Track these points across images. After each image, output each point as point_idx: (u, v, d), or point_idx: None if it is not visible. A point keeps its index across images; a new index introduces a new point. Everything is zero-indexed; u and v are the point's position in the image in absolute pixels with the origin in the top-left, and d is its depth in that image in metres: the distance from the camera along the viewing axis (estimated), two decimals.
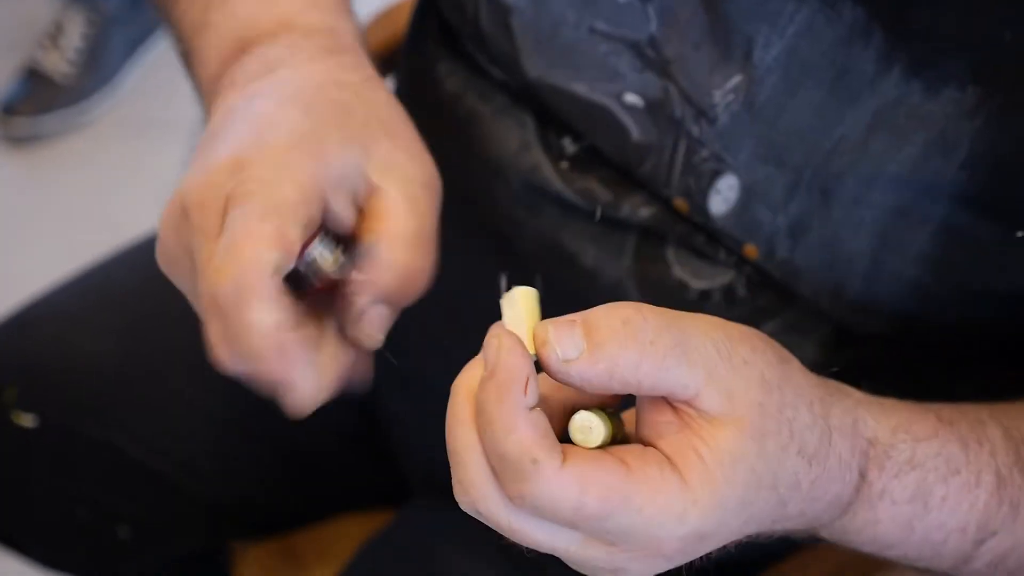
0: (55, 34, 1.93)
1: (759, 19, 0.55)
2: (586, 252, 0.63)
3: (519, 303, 0.43)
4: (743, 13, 0.55)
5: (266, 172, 0.48)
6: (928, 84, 0.52)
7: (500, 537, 0.44)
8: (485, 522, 0.44)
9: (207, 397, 0.85)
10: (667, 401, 0.43)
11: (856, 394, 0.50)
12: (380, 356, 0.62)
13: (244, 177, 0.48)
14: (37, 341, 0.86)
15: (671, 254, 0.61)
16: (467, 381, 0.43)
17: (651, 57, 0.59)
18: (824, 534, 0.51)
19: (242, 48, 0.57)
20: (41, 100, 1.89)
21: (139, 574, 0.93)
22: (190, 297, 0.52)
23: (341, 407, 0.87)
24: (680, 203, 0.60)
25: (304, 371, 0.47)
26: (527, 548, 0.44)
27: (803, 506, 0.46)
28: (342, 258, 0.50)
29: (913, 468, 0.49)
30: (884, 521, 0.49)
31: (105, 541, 0.88)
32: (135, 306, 0.87)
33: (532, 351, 0.42)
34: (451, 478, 0.44)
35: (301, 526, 0.93)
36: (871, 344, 0.59)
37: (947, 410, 0.52)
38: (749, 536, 0.47)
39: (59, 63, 1.91)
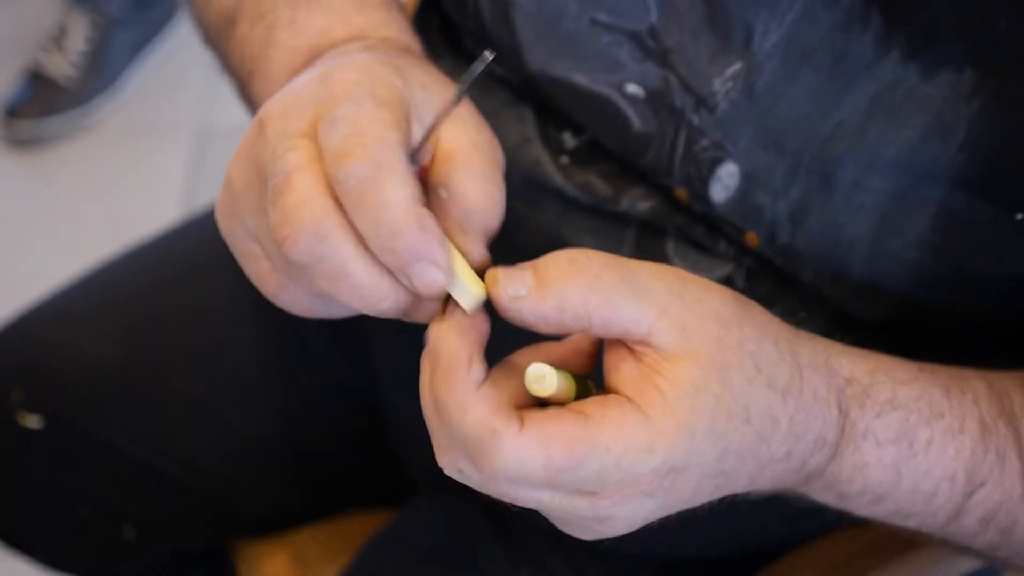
0: (59, 37, 1.93)
1: (758, 5, 0.55)
2: (585, 246, 0.64)
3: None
4: (742, 1, 0.56)
5: (356, 75, 0.48)
6: (925, 67, 0.53)
7: (488, 498, 0.46)
8: (474, 487, 0.45)
9: (210, 397, 0.86)
10: (625, 346, 0.45)
11: (826, 340, 0.51)
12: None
13: (332, 82, 0.48)
14: (42, 343, 0.86)
15: (670, 248, 0.62)
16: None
17: (651, 47, 0.59)
18: (818, 487, 0.51)
19: (314, 56, 0.57)
20: (44, 103, 1.89)
21: (141, 573, 0.93)
22: (253, 233, 0.49)
23: (345, 404, 0.88)
24: (681, 193, 0.60)
25: (440, 246, 0.45)
26: (515, 506, 0.46)
27: (788, 445, 0.47)
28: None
29: (895, 408, 0.50)
30: (872, 465, 0.50)
31: (109, 540, 0.88)
32: (139, 307, 0.87)
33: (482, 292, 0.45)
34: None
35: (304, 524, 0.93)
36: (872, 330, 0.59)
37: (929, 364, 0.53)
38: (742, 491, 0.48)
39: (63, 66, 1.91)
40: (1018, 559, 0.57)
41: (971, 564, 0.70)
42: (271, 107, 0.48)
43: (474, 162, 0.49)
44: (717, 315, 0.45)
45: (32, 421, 0.85)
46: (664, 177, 0.60)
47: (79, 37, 1.93)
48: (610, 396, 0.44)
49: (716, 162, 0.58)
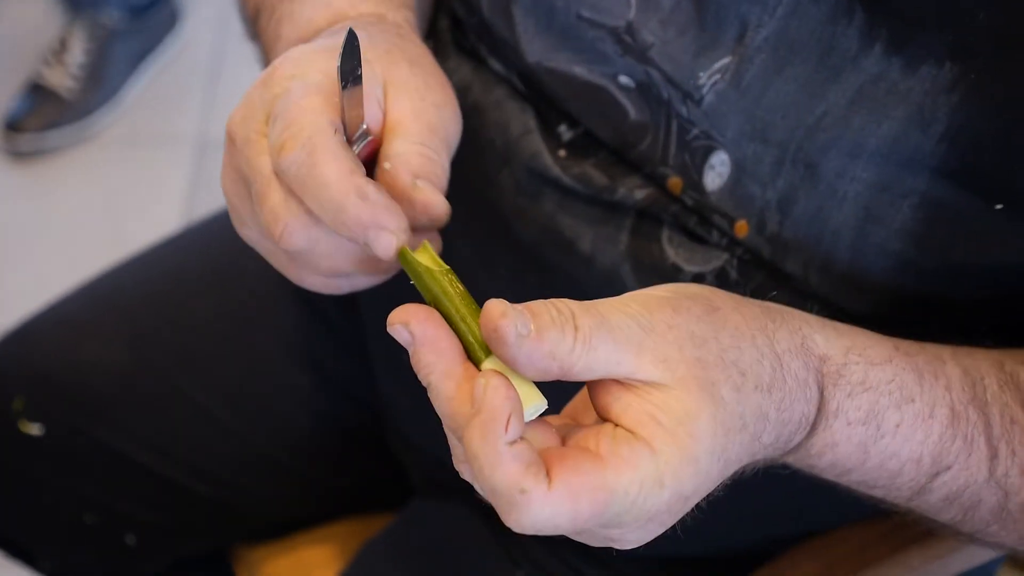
0: (59, 50, 1.94)
1: (750, 1, 0.56)
2: (584, 237, 0.64)
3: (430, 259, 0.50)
4: None
5: (291, 68, 0.53)
6: (907, 61, 0.53)
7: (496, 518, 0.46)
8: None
9: (212, 402, 0.86)
10: (613, 380, 0.46)
11: (805, 315, 0.52)
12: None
13: (272, 83, 0.52)
14: (43, 351, 0.87)
15: (666, 237, 0.63)
16: (432, 366, 0.46)
17: (628, 43, 0.60)
18: (790, 460, 0.52)
19: None
20: (45, 115, 1.90)
21: None
22: (263, 234, 0.55)
23: (346, 409, 0.88)
24: (675, 182, 0.61)
25: (387, 210, 0.49)
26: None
27: (776, 431, 0.48)
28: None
29: (866, 390, 0.51)
30: (841, 443, 0.51)
31: (112, 547, 0.89)
32: (141, 314, 0.88)
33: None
34: (447, 458, 0.47)
35: (304, 529, 0.93)
36: (861, 324, 0.60)
37: (906, 343, 0.54)
38: (734, 474, 0.49)
39: (63, 79, 1.92)
40: (980, 535, 0.57)
41: (963, 564, 0.70)
42: (233, 117, 0.53)
43: (410, 128, 0.54)
44: (692, 336, 0.46)
45: (33, 429, 0.85)
46: (659, 166, 0.61)
47: (79, 50, 1.93)
48: (618, 433, 0.45)
49: (709, 150, 0.59)
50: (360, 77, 0.51)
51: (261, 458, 0.88)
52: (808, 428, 0.50)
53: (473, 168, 0.69)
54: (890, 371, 0.52)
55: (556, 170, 0.65)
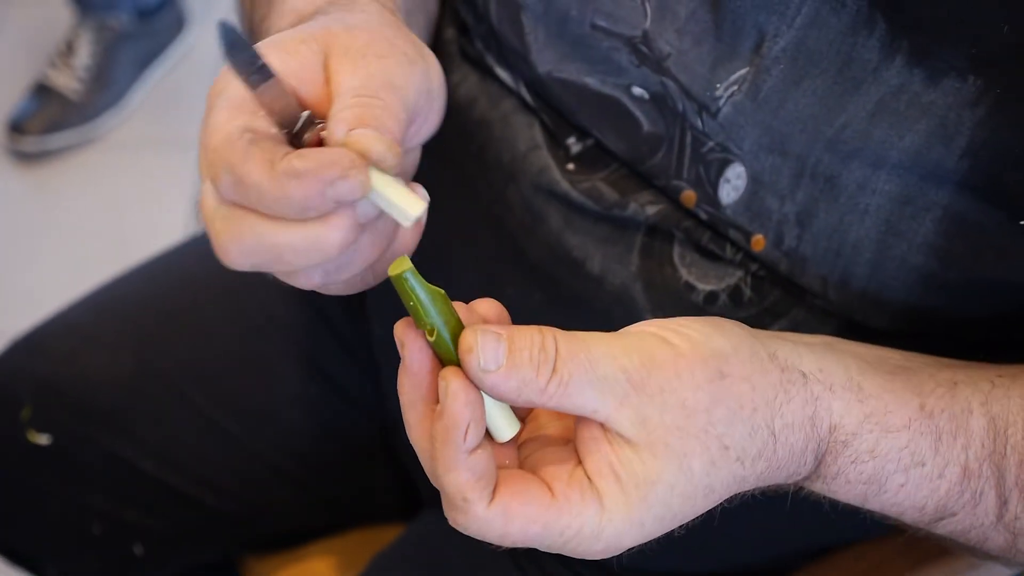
0: (65, 52, 1.94)
1: (769, 11, 0.55)
2: (592, 257, 0.64)
3: (433, 299, 0.47)
4: (752, 6, 0.56)
5: (220, 82, 0.49)
6: (929, 73, 0.53)
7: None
8: None
9: (220, 412, 0.86)
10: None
11: (833, 377, 0.51)
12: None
13: (207, 102, 0.49)
14: (50, 359, 0.86)
15: (677, 255, 0.62)
16: (404, 389, 0.47)
17: (645, 53, 0.59)
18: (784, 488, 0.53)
19: None
20: (50, 117, 1.89)
21: None
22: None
23: (354, 418, 0.88)
24: (689, 195, 0.60)
25: (326, 165, 0.45)
26: None
27: (758, 485, 0.50)
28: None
29: (873, 458, 0.51)
30: (839, 493, 0.52)
31: (119, 557, 0.88)
32: (148, 323, 0.87)
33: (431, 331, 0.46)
34: None
35: (314, 539, 0.93)
36: (880, 340, 0.59)
37: (935, 396, 0.53)
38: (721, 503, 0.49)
39: (69, 80, 1.92)
40: (995, 556, 0.57)
41: None
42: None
43: (344, 84, 0.49)
44: (682, 404, 0.46)
45: (41, 439, 0.85)
46: (673, 179, 0.61)
47: (86, 52, 1.93)
48: (575, 474, 0.46)
49: (724, 163, 0.59)
50: (264, 68, 0.47)
51: (268, 468, 0.87)
52: (801, 479, 0.51)
53: (480, 184, 0.68)
54: (904, 438, 0.51)
55: (564, 185, 0.64)
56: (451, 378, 0.45)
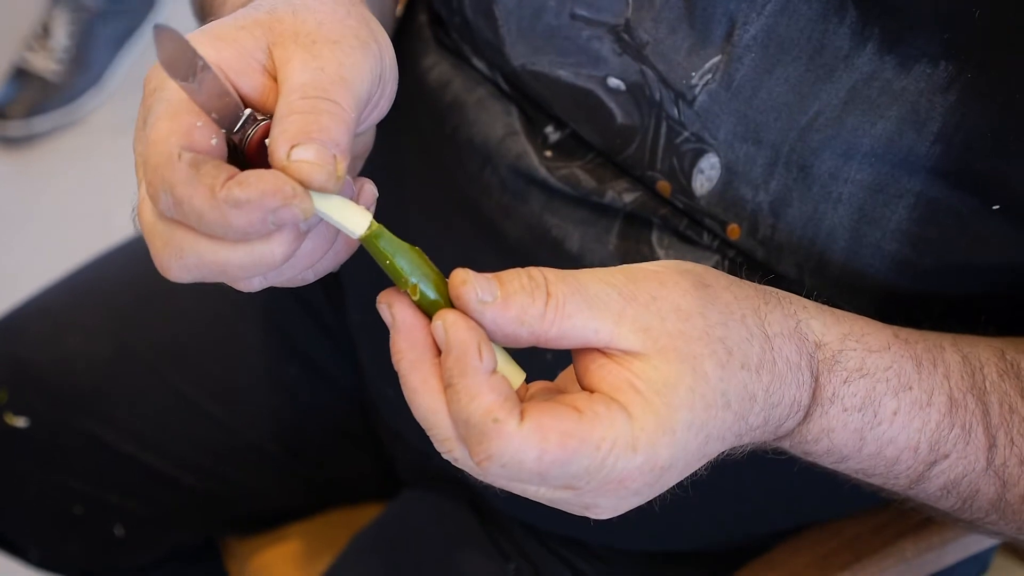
0: (42, 35, 1.93)
1: None
2: (571, 237, 0.64)
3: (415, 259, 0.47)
4: None
5: (155, 80, 0.48)
6: (901, 60, 0.53)
7: (476, 482, 0.47)
8: (464, 469, 0.46)
9: (199, 393, 0.86)
10: (595, 349, 0.46)
11: (802, 301, 0.51)
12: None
13: (145, 95, 0.48)
14: (27, 343, 0.86)
15: (655, 238, 0.62)
16: (403, 352, 0.45)
17: (627, 41, 0.59)
18: (786, 445, 0.52)
19: None
20: (32, 100, 1.88)
21: (131, 569, 0.93)
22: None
23: (333, 398, 0.88)
24: (664, 186, 0.60)
25: (267, 194, 0.43)
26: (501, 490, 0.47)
27: (765, 414, 0.48)
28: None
29: (862, 376, 0.51)
30: (837, 429, 0.51)
31: (101, 539, 0.88)
32: (125, 304, 0.87)
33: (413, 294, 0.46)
34: (435, 449, 0.47)
35: (294, 520, 0.93)
36: None
37: (905, 331, 0.53)
38: (721, 454, 0.48)
39: (48, 63, 1.91)
40: (980, 523, 0.57)
41: (957, 555, 0.70)
42: (133, 141, 0.49)
43: (292, 81, 0.47)
44: (676, 308, 0.46)
45: (19, 421, 0.84)
46: (647, 170, 0.60)
47: (62, 33, 1.92)
48: (595, 394, 0.45)
49: (698, 154, 0.58)
50: (202, 66, 0.45)
51: (248, 449, 0.87)
52: (802, 413, 0.50)
53: (454, 165, 0.67)
54: (888, 358, 0.51)
55: (543, 171, 0.64)
56: (446, 313, 0.45)
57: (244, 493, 0.89)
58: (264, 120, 0.48)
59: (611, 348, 0.45)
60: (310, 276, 0.51)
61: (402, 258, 0.46)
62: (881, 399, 0.51)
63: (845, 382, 0.50)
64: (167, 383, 0.85)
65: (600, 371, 0.45)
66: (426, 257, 0.47)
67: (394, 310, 0.46)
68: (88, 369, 0.85)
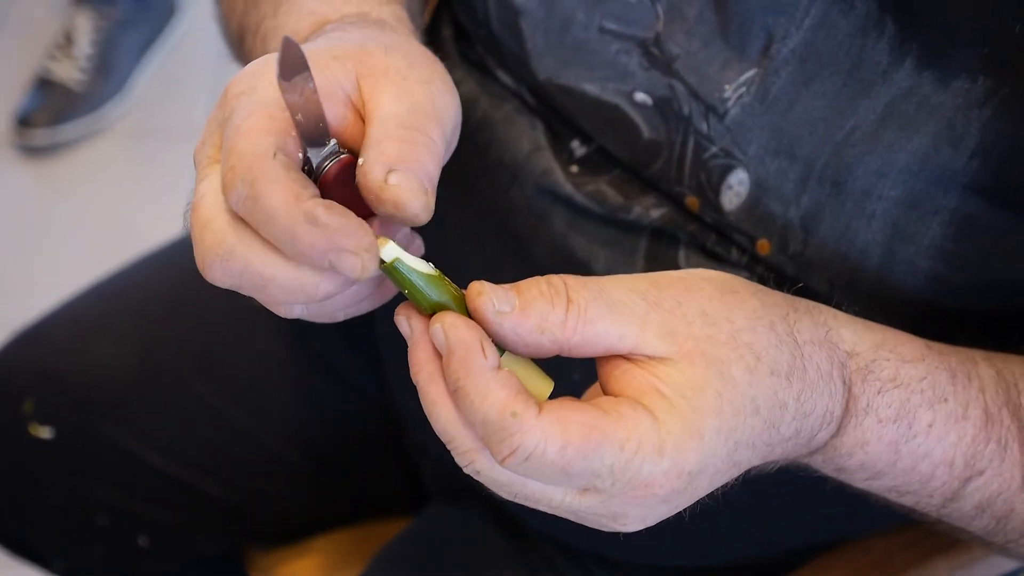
0: (64, 43, 1.94)
1: (777, 12, 0.55)
2: (597, 258, 0.63)
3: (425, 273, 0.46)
4: (760, 7, 0.55)
5: (244, 84, 0.48)
6: (940, 75, 0.52)
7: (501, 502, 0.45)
8: (486, 484, 0.46)
9: (225, 404, 0.86)
10: (620, 355, 0.45)
11: (832, 311, 0.51)
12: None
13: (225, 102, 0.48)
14: (54, 352, 0.87)
15: (682, 257, 0.62)
16: (422, 364, 0.45)
17: (655, 55, 0.59)
18: (819, 460, 0.51)
19: None
20: (57, 109, 1.89)
21: None
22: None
23: (359, 411, 0.88)
24: (692, 201, 0.60)
25: (342, 231, 0.43)
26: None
27: (796, 424, 0.47)
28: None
29: (897, 387, 0.50)
30: (871, 442, 0.50)
31: (125, 548, 0.89)
32: (152, 314, 0.87)
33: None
34: (467, 477, 0.46)
35: (320, 532, 0.93)
36: None
37: (938, 344, 0.53)
38: (753, 467, 0.47)
39: (72, 71, 1.92)
40: (1014, 545, 0.56)
41: (988, 572, 0.69)
42: (198, 143, 0.49)
43: (388, 110, 0.48)
44: (703, 313, 0.45)
45: (43, 432, 0.85)
46: (674, 185, 0.60)
47: (85, 41, 1.94)
48: (620, 398, 0.44)
49: (726, 170, 0.58)
50: (312, 88, 0.45)
51: (273, 459, 0.88)
52: (835, 425, 0.49)
53: (483, 183, 0.67)
54: (922, 369, 0.51)
55: (568, 187, 0.63)
56: (444, 315, 0.44)
57: (268, 503, 0.89)
58: (344, 154, 0.47)
59: (636, 354, 0.45)
60: (340, 316, 0.51)
61: (422, 283, 0.46)
62: (916, 411, 0.50)
63: (879, 392, 0.50)
64: (192, 392, 0.86)
65: (624, 376, 0.44)
66: (448, 280, 0.46)
67: (412, 322, 0.45)
68: (114, 378, 0.85)
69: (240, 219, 0.45)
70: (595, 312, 0.44)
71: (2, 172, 1.89)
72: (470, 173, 0.62)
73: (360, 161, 0.46)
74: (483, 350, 0.43)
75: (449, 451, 0.46)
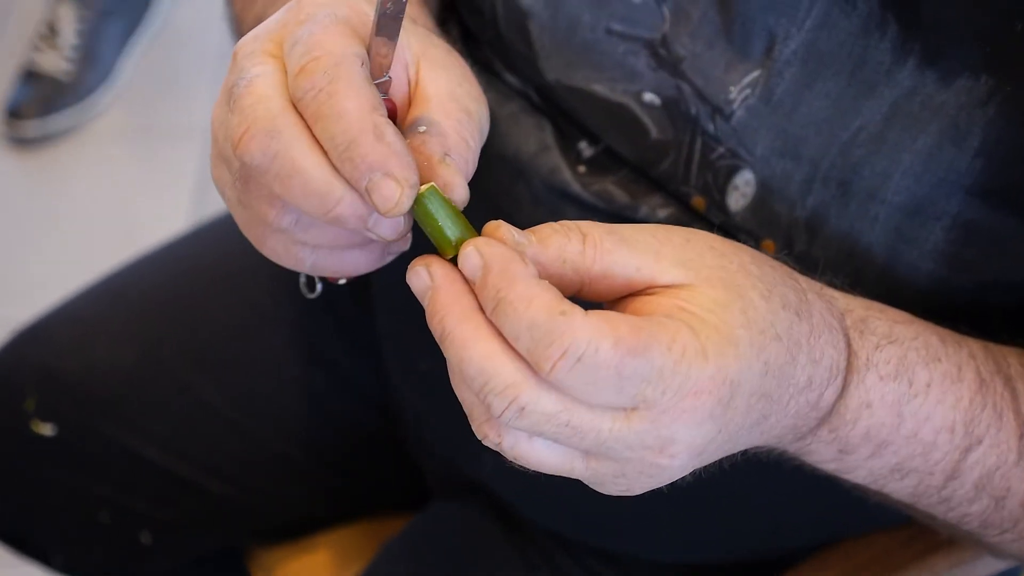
0: (48, 34, 1.93)
1: (778, 13, 0.56)
2: None
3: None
4: (761, 8, 0.56)
5: (309, 8, 0.48)
6: (942, 74, 0.53)
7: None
8: (529, 429, 0.43)
9: (225, 401, 0.86)
10: (639, 293, 0.45)
11: (819, 281, 0.52)
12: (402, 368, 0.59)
13: (299, 10, 0.48)
14: (55, 350, 0.87)
15: None
16: (449, 306, 0.43)
17: (663, 56, 0.59)
18: (824, 434, 0.51)
19: None
20: (45, 100, 1.88)
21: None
22: (236, 173, 0.49)
23: (360, 408, 0.88)
24: (698, 201, 0.60)
25: (399, 157, 0.44)
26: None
27: (809, 371, 0.47)
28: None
29: (891, 343, 0.51)
30: (875, 403, 0.50)
31: (126, 545, 0.89)
32: (154, 312, 0.87)
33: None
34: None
35: (321, 530, 0.93)
36: None
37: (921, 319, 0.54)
38: (766, 434, 0.47)
39: (58, 61, 1.91)
40: (1009, 536, 0.56)
41: (988, 569, 0.70)
42: (243, 38, 0.49)
43: (451, 109, 0.49)
44: (711, 248, 0.46)
45: (45, 429, 0.85)
46: (681, 185, 0.61)
47: (69, 31, 1.93)
48: (650, 318, 0.43)
49: (733, 170, 0.58)
50: (399, 30, 0.46)
51: (274, 457, 0.88)
52: (840, 381, 0.49)
53: (485, 179, 0.67)
54: (913, 329, 0.52)
55: (576, 187, 0.64)
56: (472, 241, 0.44)
57: (270, 501, 0.90)
58: (386, 99, 0.49)
59: (655, 285, 0.45)
60: (362, 266, 0.51)
61: (452, 220, 0.46)
62: (914, 368, 0.51)
63: (877, 347, 0.50)
64: (193, 390, 0.86)
65: (648, 305, 0.44)
66: (467, 221, 0.47)
67: (433, 268, 0.44)
68: (115, 376, 0.85)
69: (295, 109, 0.45)
70: (611, 243, 0.44)
71: None
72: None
73: (421, 129, 0.48)
74: (524, 260, 0.43)
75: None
